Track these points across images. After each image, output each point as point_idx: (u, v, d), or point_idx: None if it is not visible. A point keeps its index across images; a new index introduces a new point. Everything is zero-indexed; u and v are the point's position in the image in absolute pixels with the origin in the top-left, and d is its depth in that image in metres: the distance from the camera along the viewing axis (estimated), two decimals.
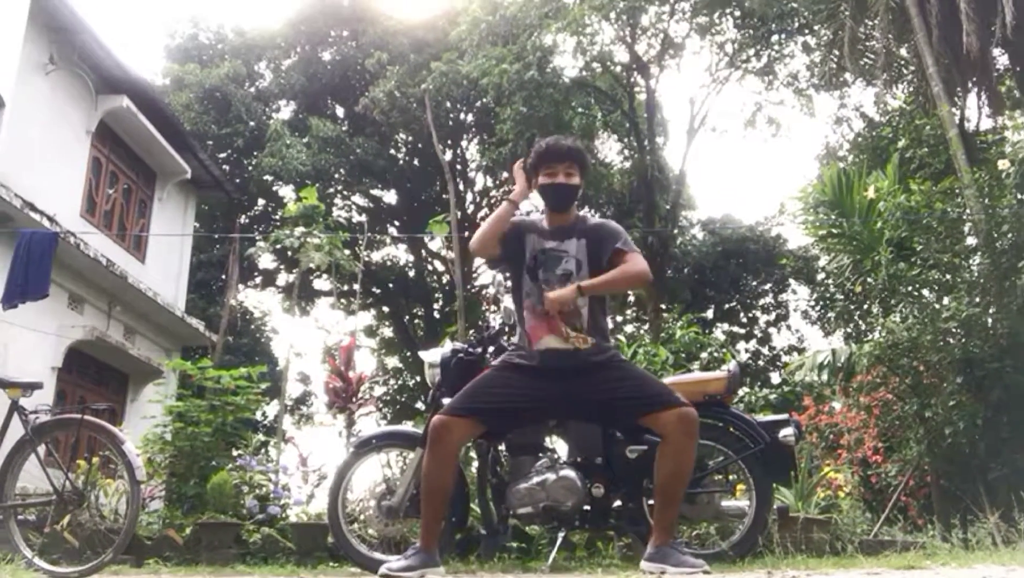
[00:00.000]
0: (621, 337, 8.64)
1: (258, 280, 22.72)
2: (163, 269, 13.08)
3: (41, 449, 3.95)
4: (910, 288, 7.35)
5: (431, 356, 4.03)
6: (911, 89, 12.08)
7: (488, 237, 3.55)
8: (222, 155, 19.70)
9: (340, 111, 21.88)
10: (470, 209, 21.57)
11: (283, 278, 22.62)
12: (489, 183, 22.42)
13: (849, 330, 8.20)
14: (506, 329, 3.91)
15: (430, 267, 23.66)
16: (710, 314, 21.71)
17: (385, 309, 24.34)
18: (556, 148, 3.62)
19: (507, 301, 3.80)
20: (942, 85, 9.56)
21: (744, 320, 22.67)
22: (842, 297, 8.11)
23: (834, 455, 8.79)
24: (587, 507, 3.73)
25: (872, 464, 8.37)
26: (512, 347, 3.64)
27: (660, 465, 3.37)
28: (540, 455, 3.76)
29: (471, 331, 3.88)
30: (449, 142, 21.07)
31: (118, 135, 11.97)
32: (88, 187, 11.28)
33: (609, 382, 3.43)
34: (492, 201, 21.66)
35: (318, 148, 19.13)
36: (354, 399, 6.48)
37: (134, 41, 44.22)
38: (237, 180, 19.05)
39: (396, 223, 23.30)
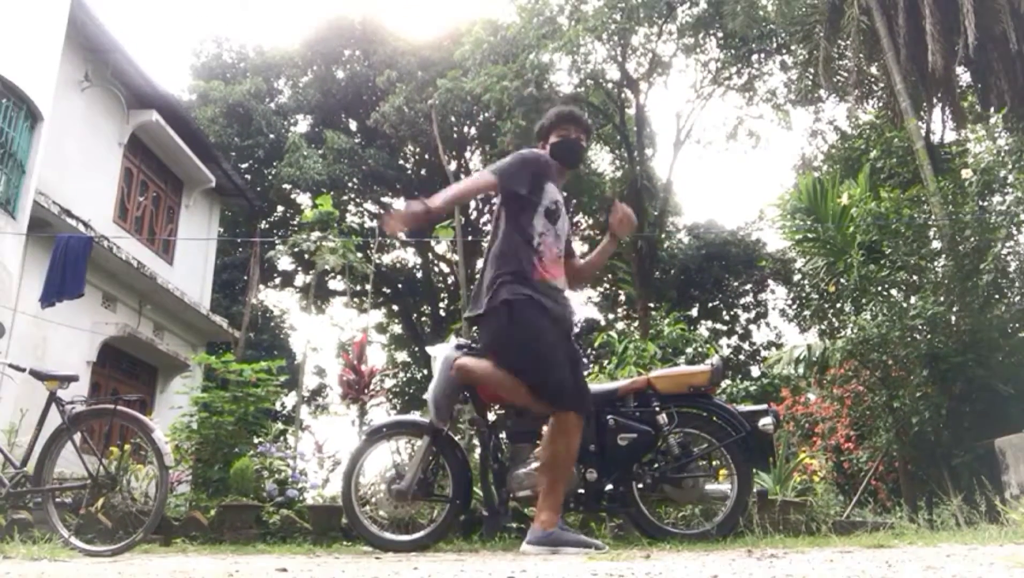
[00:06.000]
0: (612, 333, 8.61)
1: (277, 281, 22.72)
2: (190, 271, 13.08)
3: (77, 437, 3.94)
4: (880, 288, 7.35)
5: (437, 351, 4.02)
6: (881, 104, 12.07)
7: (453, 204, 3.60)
8: (244, 165, 19.69)
9: (353, 125, 21.88)
10: (473, 215, 21.56)
11: (300, 279, 22.64)
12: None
13: (823, 327, 8.21)
14: None
15: (436, 269, 23.64)
16: (695, 312, 21.70)
17: (395, 307, 24.32)
18: (575, 114, 3.66)
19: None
20: (909, 101, 9.57)
21: (726, 318, 22.64)
22: (817, 296, 8.11)
23: (809, 442, 8.81)
24: (581, 490, 3.73)
25: (844, 451, 8.39)
26: (524, 283, 3.33)
27: None
28: (538, 442, 3.76)
29: (474, 327, 3.86)
30: (454, 153, 21.05)
31: (148, 147, 11.97)
32: (120, 195, 11.28)
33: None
34: (492, 207, 21.61)
35: (333, 159, 19.15)
36: (366, 391, 6.45)
37: (163, 60, 44.25)
38: (258, 188, 19.03)
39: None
